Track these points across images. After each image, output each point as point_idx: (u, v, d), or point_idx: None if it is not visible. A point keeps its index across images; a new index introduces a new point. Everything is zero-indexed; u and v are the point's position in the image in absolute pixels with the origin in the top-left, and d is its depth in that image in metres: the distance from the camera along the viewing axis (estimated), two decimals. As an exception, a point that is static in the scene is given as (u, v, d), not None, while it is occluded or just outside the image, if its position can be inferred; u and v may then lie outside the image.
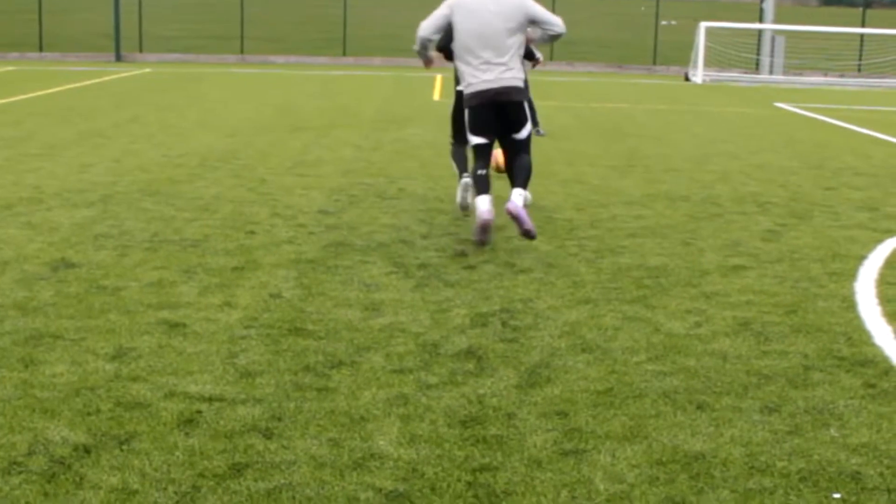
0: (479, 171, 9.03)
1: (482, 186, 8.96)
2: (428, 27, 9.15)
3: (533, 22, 9.13)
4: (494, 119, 9.03)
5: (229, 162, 13.55)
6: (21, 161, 13.19)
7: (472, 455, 4.74)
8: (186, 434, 4.89)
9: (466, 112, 9.14)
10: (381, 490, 4.38)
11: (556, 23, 9.21)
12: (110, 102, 21.86)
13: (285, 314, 6.86)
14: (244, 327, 6.56)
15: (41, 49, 40.73)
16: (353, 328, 6.59)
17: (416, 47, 9.34)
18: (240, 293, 7.34)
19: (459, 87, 9.77)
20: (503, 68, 8.93)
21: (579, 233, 9.68)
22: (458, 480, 4.48)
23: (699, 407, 5.40)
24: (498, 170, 10.38)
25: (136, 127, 17.36)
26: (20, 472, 4.45)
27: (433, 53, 9.47)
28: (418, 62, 10.28)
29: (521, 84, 9.08)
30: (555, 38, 9.30)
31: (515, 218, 8.70)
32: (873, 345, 6.54)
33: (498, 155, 9.99)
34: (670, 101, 25.90)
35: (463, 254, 8.69)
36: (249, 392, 5.45)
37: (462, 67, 9.05)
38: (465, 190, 10.05)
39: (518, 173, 9.09)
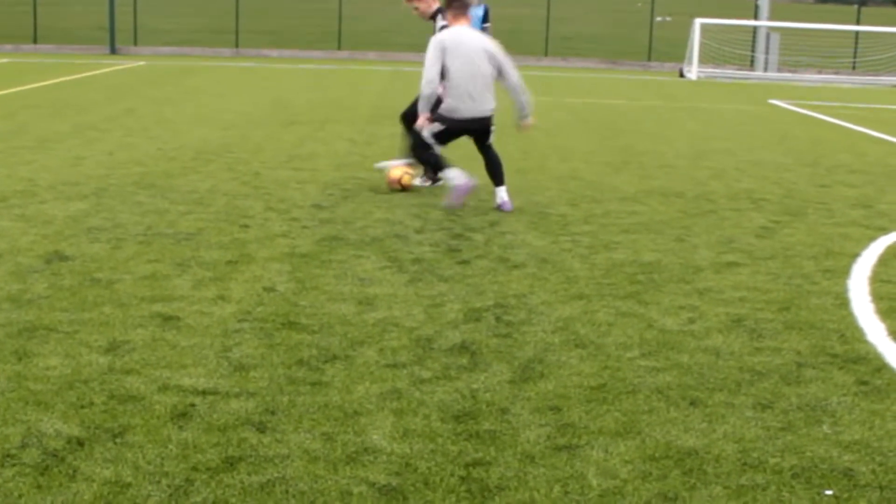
0: (440, 154, 10.59)
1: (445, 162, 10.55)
2: (433, 74, 10.24)
3: (497, 69, 10.51)
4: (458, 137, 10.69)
5: (223, 155, 13.54)
6: (15, 154, 13.17)
7: (465, 450, 4.75)
8: (180, 427, 4.90)
9: (441, 125, 10.41)
10: (374, 484, 4.38)
11: (516, 82, 10.53)
12: (105, 95, 21.83)
13: (279, 308, 6.86)
14: (238, 321, 6.56)
15: (36, 41, 40.67)
16: (346, 322, 6.60)
17: (428, 102, 10.35)
18: (234, 287, 7.34)
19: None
20: (483, 99, 10.38)
21: (573, 228, 9.69)
22: (452, 475, 4.49)
23: (692, 403, 5.41)
24: (400, 184, 11.28)
25: (130, 120, 17.34)
26: (13, 465, 4.45)
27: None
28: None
29: (493, 110, 10.54)
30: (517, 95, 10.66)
31: (504, 207, 10.40)
32: (866, 342, 6.56)
33: (396, 174, 11.29)
34: (665, 98, 25.91)
35: (457, 249, 8.71)
36: (243, 386, 5.45)
37: (447, 93, 10.33)
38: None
39: (497, 172, 10.57)
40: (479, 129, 10.52)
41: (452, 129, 10.48)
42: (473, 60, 10.31)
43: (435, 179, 11.60)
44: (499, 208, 10.40)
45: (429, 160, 10.69)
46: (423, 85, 10.31)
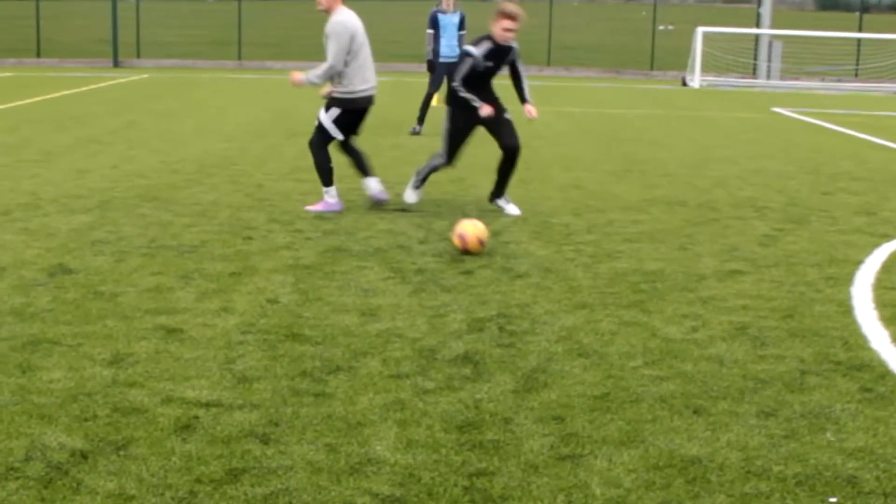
0: (332, 168, 10.82)
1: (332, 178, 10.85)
2: (342, 58, 10.44)
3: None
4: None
5: (227, 167, 13.56)
6: (18, 167, 13.19)
7: (468, 460, 4.75)
8: (183, 439, 4.90)
9: (343, 113, 10.61)
10: (377, 495, 4.38)
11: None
12: (108, 108, 21.85)
13: (282, 319, 6.86)
14: (241, 333, 6.56)
15: (39, 55, 40.72)
16: (350, 333, 6.60)
17: (323, 79, 10.52)
18: (237, 299, 7.35)
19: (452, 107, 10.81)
20: (374, 79, 10.89)
21: (576, 238, 9.69)
22: (455, 485, 4.49)
23: (696, 411, 5.41)
24: (475, 245, 8.91)
25: (133, 133, 17.36)
26: (17, 478, 4.46)
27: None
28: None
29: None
30: None
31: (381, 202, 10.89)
32: (870, 349, 6.56)
33: (468, 234, 8.91)
34: (668, 107, 25.91)
35: (460, 259, 8.71)
36: (246, 397, 5.46)
37: (353, 76, 10.53)
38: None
39: (367, 162, 11.01)
40: (367, 110, 10.81)
41: (356, 110, 10.66)
42: (366, 41, 10.71)
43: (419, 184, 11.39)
44: (374, 199, 10.88)
45: (321, 165, 10.73)
46: (327, 68, 10.41)
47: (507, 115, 10.84)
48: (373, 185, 10.90)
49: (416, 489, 4.46)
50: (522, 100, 11.03)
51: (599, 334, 6.72)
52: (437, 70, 17.98)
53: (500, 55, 10.70)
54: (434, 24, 17.89)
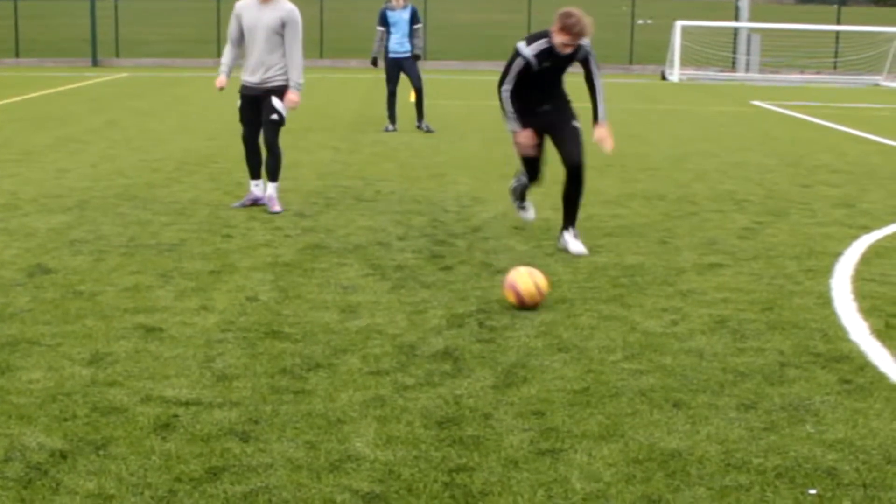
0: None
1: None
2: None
3: None
4: None
5: (206, 166, 13.53)
6: (-3, 167, 13.14)
7: (448, 456, 4.75)
8: (163, 438, 4.89)
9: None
10: (357, 492, 4.38)
11: None
12: (87, 107, 21.79)
13: (262, 317, 6.85)
14: (221, 331, 6.55)
15: (17, 55, 40.59)
16: (329, 330, 6.60)
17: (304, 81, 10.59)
18: (216, 297, 7.33)
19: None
20: None
21: (556, 233, 9.68)
22: (435, 481, 4.49)
23: (675, 405, 5.42)
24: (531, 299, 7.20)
25: (113, 132, 17.31)
26: (-4, 479, 4.44)
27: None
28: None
29: None
30: None
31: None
32: (849, 341, 6.57)
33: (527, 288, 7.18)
34: (647, 101, 25.95)
35: (439, 255, 8.71)
36: (226, 395, 5.45)
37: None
38: None
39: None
40: None
41: None
42: None
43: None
44: (258, 202, 10.83)
45: (281, 159, 10.61)
46: (301, 58, 10.45)
47: (575, 123, 9.41)
48: (259, 192, 10.85)
49: (396, 485, 4.45)
50: (595, 119, 9.46)
51: (579, 329, 6.72)
52: (390, 66, 18.08)
53: (560, 55, 9.05)
54: (384, 21, 17.93)
